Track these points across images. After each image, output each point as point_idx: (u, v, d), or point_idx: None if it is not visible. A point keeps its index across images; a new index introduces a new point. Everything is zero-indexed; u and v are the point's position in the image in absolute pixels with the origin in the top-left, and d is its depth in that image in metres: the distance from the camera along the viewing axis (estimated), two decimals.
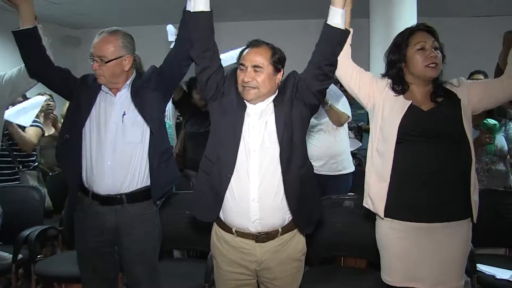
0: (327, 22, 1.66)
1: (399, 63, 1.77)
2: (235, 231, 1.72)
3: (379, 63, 3.63)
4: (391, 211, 1.73)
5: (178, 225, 2.55)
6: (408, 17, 3.74)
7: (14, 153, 3.10)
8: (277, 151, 1.68)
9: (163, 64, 2.01)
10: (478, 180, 1.79)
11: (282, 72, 1.75)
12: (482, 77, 3.49)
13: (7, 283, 2.57)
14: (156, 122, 1.99)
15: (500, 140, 3.02)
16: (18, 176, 3.11)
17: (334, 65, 1.72)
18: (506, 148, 3.03)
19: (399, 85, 1.78)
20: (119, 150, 1.93)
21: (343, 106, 3.07)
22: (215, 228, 1.81)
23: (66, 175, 2.10)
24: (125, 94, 1.99)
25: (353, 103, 4.39)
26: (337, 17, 1.64)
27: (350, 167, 3.17)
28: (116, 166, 1.93)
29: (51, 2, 4.90)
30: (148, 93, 1.98)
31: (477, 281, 2.24)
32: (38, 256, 2.60)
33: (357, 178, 3.24)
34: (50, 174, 3.47)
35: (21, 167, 3.13)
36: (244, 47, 1.76)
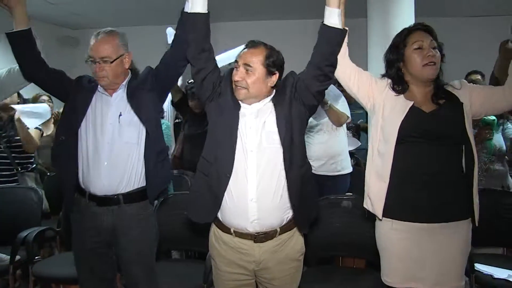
0: (324, 23, 1.66)
1: (397, 63, 1.77)
2: (234, 231, 1.72)
3: (377, 63, 3.66)
4: (390, 211, 1.73)
5: (176, 226, 2.55)
6: (406, 17, 3.75)
7: (13, 155, 3.09)
8: (276, 151, 1.68)
9: (159, 64, 2.01)
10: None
11: (277, 75, 1.72)
12: (479, 77, 3.50)
13: (5, 284, 2.56)
14: (152, 123, 2.00)
15: (499, 140, 3.04)
16: (16, 178, 3.10)
17: (334, 65, 1.72)
18: (504, 147, 3.04)
19: (399, 85, 1.78)
20: (116, 150, 1.94)
21: (342, 106, 3.07)
22: (214, 229, 1.81)
23: (61, 177, 2.10)
24: (121, 94, 1.99)
25: (352, 102, 4.46)
26: (334, 17, 1.64)
27: (348, 168, 3.18)
28: (113, 167, 1.93)
29: (48, 2, 4.89)
30: (144, 93, 1.98)
31: (475, 280, 2.24)
32: (36, 257, 2.59)
33: (355, 178, 3.26)
34: (48, 174, 3.46)
35: (19, 169, 3.13)
36: (243, 47, 1.76)
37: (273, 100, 1.74)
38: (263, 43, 1.73)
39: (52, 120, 3.61)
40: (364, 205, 1.82)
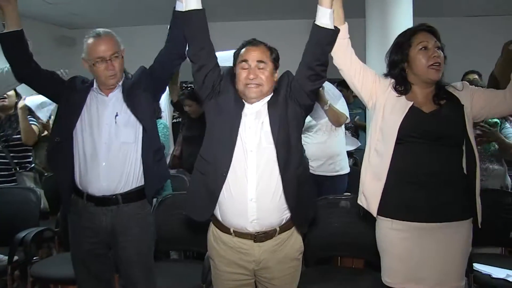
0: (316, 23, 1.65)
1: (401, 63, 1.76)
2: (233, 231, 1.72)
3: (375, 63, 3.67)
4: (387, 210, 1.73)
5: (174, 226, 2.55)
6: (404, 17, 3.75)
7: (11, 154, 3.08)
8: (274, 152, 1.68)
9: (154, 63, 2.02)
10: None
11: (277, 70, 1.76)
12: (476, 76, 3.50)
13: (3, 285, 2.55)
14: (149, 122, 2.01)
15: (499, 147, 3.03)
16: (15, 178, 3.10)
17: (325, 64, 1.70)
18: None
19: (402, 85, 1.77)
20: (113, 151, 1.94)
21: (341, 107, 3.08)
22: (212, 229, 1.80)
23: (58, 178, 2.09)
24: (117, 94, 2.00)
25: (351, 102, 4.47)
26: (325, 17, 1.63)
27: (346, 168, 3.19)
28: (112, 167, 1.93)
29: (46, 2, 4.88)
30: (139, 93, 1.99)
31: (474, 280, 2.25)
32: (34, 258, 2.58)
33: (354, 178, 3.26)
34: (45, 174, 3.46)
35: (18, 169, 3.12)
36: (239, 48, 1.76)
37: (268, 101, 1.74)
38: (261, 41, 1.76)
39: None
40: (358, 201, 1.83)
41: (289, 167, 1.69)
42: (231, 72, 1.76)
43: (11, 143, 3.06)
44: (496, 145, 2.99)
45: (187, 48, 1.77)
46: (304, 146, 2.75)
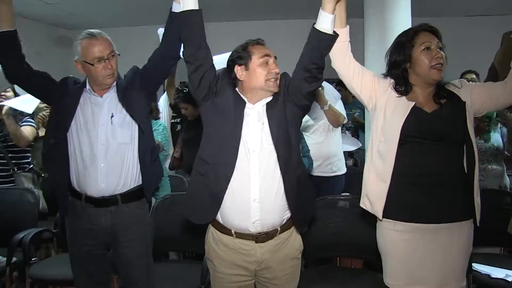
0: (315, 27, 1.64)
1: (404, 64, 1.75)
2: (235, 232, 1.71)
3: (374, 63, 3.67)
4: (390, 212, 1.72)
5: (173, 227, 2.54)
6: (402, 17, 3.75)
7: (9, 155, 3.07)
8: (274, 152, 1.68)
9: (148, 64, 2.02)
10: None
11: None
12: (474, 76, 3.51)
13: (1, 286, 2.54)
14: (145, 122, 2.02)
15: (497, 139, 3.04)
16: (13, 178, 3.09)
17: (322, 67, 1.71)
18: (502, 145, 3.05)
19: (403, 85, 1.76)
20: (111, 152, 1.94)
21: (339, 107, 3.09)
22: (212, 231, 1.79)
23: (54, 180, 2.09)
24: (111, 95, 1.99)
25: (350, 102, 4.47)
26: (327, 23, 1.62)
27: (343, 169, 3.20)
28: (110, 168, 1.93)
29: (44, 2, 4.87)
30: (134, 93, 1.99)
31: (473, 280, 2.25)
32: (33, 259, 2.57)
33: (351, 179, 3.27)
34: (42, 175, 3.45)
35: (16, 169, 3.11)
36: (246, 46, 1.75)
37: (267, 102, 1.75)
38: None
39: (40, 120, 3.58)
40: (361, 205, 1.81)
41: (290, 168, 1.70)
42: (227, 73, 1.76)
43: (9, 143, 3.05)
44: (495, 144, 3.00)
45: (183, 49, 1.77)
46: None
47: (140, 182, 2.02)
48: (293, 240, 1.80)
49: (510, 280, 2.16)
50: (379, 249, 1.81)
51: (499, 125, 3.12)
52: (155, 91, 2.19)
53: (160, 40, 2.02)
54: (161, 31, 2.08)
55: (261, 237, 1.70)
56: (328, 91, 3.03)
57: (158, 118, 3.14)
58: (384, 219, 1.74)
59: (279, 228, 1.73)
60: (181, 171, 3.62)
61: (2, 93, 3.04)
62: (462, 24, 5.66)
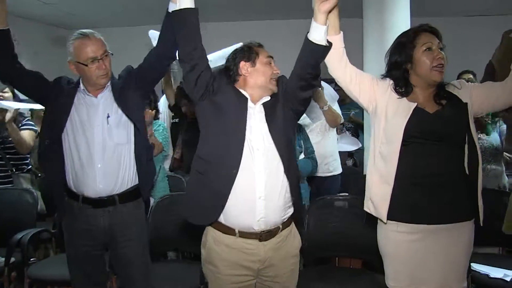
0: (308, 38, 1.64)
1: (405, 64, 1.74)
2: (238, 231, 1.71)
3: (372, 63, 3.67)
4: (395, 214, 1.71)
5: (172, 227, 2.53)
6: (401, 17, 3.75)
7: (7, 156, 3.07)
8: (276, 151, 1.71)
9: (144, 63, 2.02)
10: None
11: None
12: (471, 76, 3.51)
13: (0, 286, 2.54)
14: (141, 121, 2.03)
15: (495, 138, 3.04)
16: (11, 179, 3.08)
17: (317, 75, 1.73)
18: (501, 145, 3.05)
19: (403, 86, 1.75)
20: (108, 152, 1.93)
21: (335, 108, 3.10)
22: (211, 233, 1.76)
23: (50, 181, 2.08)
24: (106, 95, 1.98)
25: (348, 102, 4.47)
26: (319, 34, 1.62)
27: (339, 168, 3.22)
28: (107, 168, 1.93)
29: (42, 2, 4.86)
30: (130, 93, 1.99)
31: (471, 280, 2.25)
32: (31, 259, 2.57)
33: (351, 178, 3.27)
34: (39, 175, 3.44)
35: (14, 170, 3.10)
36: (250, 47, 1.79)
37: (263, 103, 1.77)
38: None
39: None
40: (365, 209, 1.79)
41: (291, 166, 1.75)
42: (223, 73, 1.78)
43: (8, 145, 3.04)
44: (494, 144, 3.01)
45: (178, 48, 1.77)
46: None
47: (137, 182, 2.02)
48: (293, 238, 1.82)
49: (508, 280, 2.16)
50: (380, 251, 1.81)
51: (497, 124, 3.12)
52: (150, 90, 2.21)
53: (152, 42, 2.03)
54: (152, 33, 2.08)
55: (265, 235, 1.71)
56: (326, 91, 3.03)
57: (158, 118, 3.14)
58: (388, 221, 1.73)
59: (280, 226, 1.75)
60: (180, 171, 3.62)
61: (0, 94, 3.04)
62: (461, 24, 5.65)
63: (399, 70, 1.76)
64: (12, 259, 2.49)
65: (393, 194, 1.70)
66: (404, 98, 1.74)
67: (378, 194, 1.74)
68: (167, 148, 3.13)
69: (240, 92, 1.76)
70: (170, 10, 1.82)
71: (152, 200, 2.66)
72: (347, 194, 2.92)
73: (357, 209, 2.17)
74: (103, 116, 1.95)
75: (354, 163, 4.35)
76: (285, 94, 1.76)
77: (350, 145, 3.83)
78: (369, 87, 1.78)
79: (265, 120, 1.73)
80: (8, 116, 2.84)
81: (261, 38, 1.79)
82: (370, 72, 1.92)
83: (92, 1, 5.05)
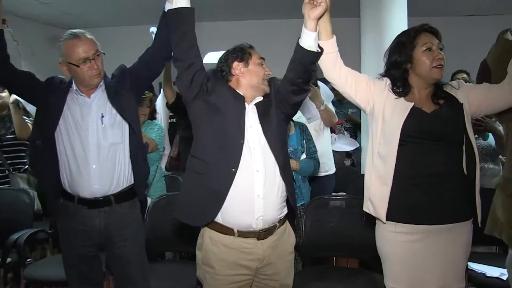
0: (300, 44, 1.64)
1: (405, 64, 1.74)
2: (237, 231, 1.71)
3: (370, 62, 3.68)
4: (393, 214, 1.70)
5: (169, 227, 2.52)
6: (398, 17, 3.75)
7: (4, 155, 3.06)
8: (270, 150, 1.73)
9: (139, 63, 2.01)
10: None
11: None
12: (465, 75, 3.52)
13: None
14: (136, 121, 2.02)
15: (492, 138, 3.04)
16: (8, 180, 3.07)
17: (309, 80, 1.75)
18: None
19: (401, 86, 1.75)
20: (103, 153, 1.93)
21: (331, 107, 3.11)
22: (209, 233, 1.74)
23: (43, 183, 2.07)
24: (99, 95, 1.97)
25: (345, 102, 4.47)
26: (310, 40, 1.62)
27: (333, 168, 3.22)
28: (103, 169, 1.92)
29: (39, 2, 4.85)
30: (125, 93, 1.98)
31: (468, 279, 2.25)
32: (28, 260, 2.55)
33: (349, 178, 3.26)
34: None
35: (11, 170, 3.09)
36: (247, 48, 1.81)
37: (256, 103, 1.79)
38: None
39: None
40: (365, 209, 1.79)
41: (286, 164, 1.79)
42: (217, 73, 1.79)
43: (4, 143, 3.04)
44: (493, 144, 3.01)
45: (174, 48, 1.75)
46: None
47: (132, 182, 2.02)
48: (288, 235, 1.84)
49: (505, 279, 2.16)
50: (379, 252, 1.80)
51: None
52: (144, 90, 2.20)
53: (154, 38, 2.02)
54: (153, 29, 2.08)
55: (263, 234, 1.72)
56: (322, 90, 3.04)
57: (155, 118, 3.13)
58: (387, 221, 1.73)
59: (277, 224, 1.77)
60: (179, 172, 3.61)
61: None
62: (458, 24, 5.66)
63: (398, 69, 1.76)
64: (9, 260, 2.48)
65: (391, 195, 1.70)
66: (402, 98, 1.74)
67: (377, 195, 1.74)
68: (161, 147, 3.12)
69: (236, 92, 1.76)
70: (166, 10, 1.82)
71: (149, 200, 2.66)
72: (344, 193, 2.92)
73: (354, 209, 2.17)
74: (97, 116, 1.94)
75: (352, 163, 4.35)
76: (277, 96, 1.78)
77: (347, 145, 3.84)
78: (366, 88, 1.78)
79: (258, 121, 1.74)
80: (13, 97, 2.85)
81: (259, 38, 1.80)
82: (368, 71, 1.92)
83: (88, 0, 5.04)
